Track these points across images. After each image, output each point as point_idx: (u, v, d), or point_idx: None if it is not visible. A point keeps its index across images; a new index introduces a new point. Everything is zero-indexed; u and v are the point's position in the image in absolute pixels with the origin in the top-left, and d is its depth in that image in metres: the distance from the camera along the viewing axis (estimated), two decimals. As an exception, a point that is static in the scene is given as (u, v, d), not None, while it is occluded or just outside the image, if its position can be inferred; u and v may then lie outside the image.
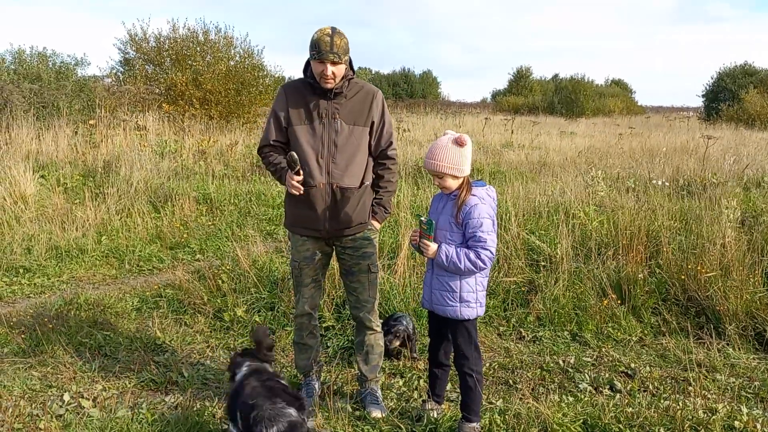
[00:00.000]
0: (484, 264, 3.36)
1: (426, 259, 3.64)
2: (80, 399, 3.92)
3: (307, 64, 3.65)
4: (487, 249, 3.34)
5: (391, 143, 3.87)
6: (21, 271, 6.63)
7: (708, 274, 5.32)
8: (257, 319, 5.28)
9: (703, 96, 37.30)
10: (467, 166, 3.42)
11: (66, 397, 3.94)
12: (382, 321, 4.74)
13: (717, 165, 9.26)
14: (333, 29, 3.50)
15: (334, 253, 3.95)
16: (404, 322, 4.73)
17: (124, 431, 3.37)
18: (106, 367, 4.45)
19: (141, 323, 5.36)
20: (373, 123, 3.75)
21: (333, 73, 3.50)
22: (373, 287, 3.95)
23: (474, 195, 3.42)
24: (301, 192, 3.56)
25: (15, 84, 14.74)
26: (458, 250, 3.38)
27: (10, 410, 3.69)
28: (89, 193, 8.86)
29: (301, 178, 3.52)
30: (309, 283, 3.88)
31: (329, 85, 3.56)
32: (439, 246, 3.42)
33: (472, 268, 3.36)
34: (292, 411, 2.93)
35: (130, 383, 4.18)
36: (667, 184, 7.68)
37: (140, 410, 3.70)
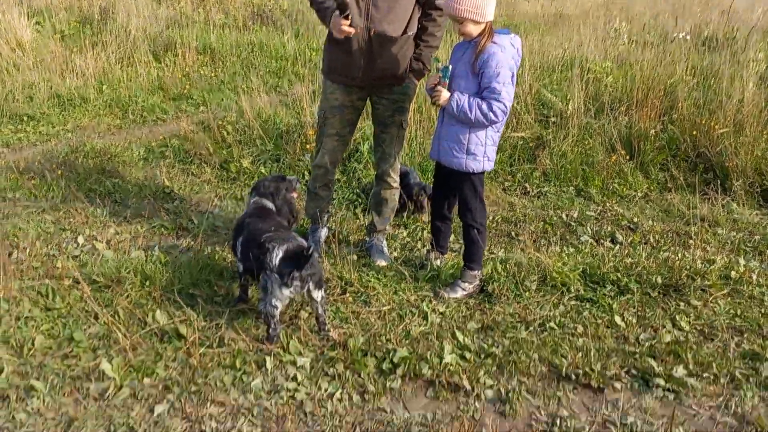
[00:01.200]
0: (496, 117, 3.26)
1: (438, 109, 3.55)
2: (94, 241, 4.03)
3: None
4: (500, 101, 3.22)
5: None
6: (25, 119, 6.58)
7: (721, 130, 5.22)
8: (263, 171, 5.29)
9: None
10: (490, 11, 3.20)
11: (80, 239, 4.05)
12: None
13: (743, 18, 8.77)
14: None
15: (365, 108, 3.86)
16: (411, 178, 4.71)
17: (139, 270, 3.49)
18: (116, 212, 4.54)
19: (149, 172, 5.38)
20: None
21: None
22: (399, 142, 3.91)
23: (495, 43, 3.23)
24: (351, 32, 3.35)
25: None
26: (471, 99, 3.27)
27: (27, 250, 3.81)
28: (87, 41, 8.55)
29: (349, 22, 3.31)
30: (332, 134, 3.79)
31: None
32: (451, 94, 3.32)
33: (483, 119, 3.27)
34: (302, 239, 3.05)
35: (141, 228, 4.28)
36: (688, 37, 7.31)
37: (153, 252, 3.81)
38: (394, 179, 4.02)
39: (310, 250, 2.88)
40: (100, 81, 7.73)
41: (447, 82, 3.34)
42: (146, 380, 2.75)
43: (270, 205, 3.49)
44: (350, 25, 3.32)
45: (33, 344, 2.94)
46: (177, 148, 5.77)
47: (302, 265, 2.89)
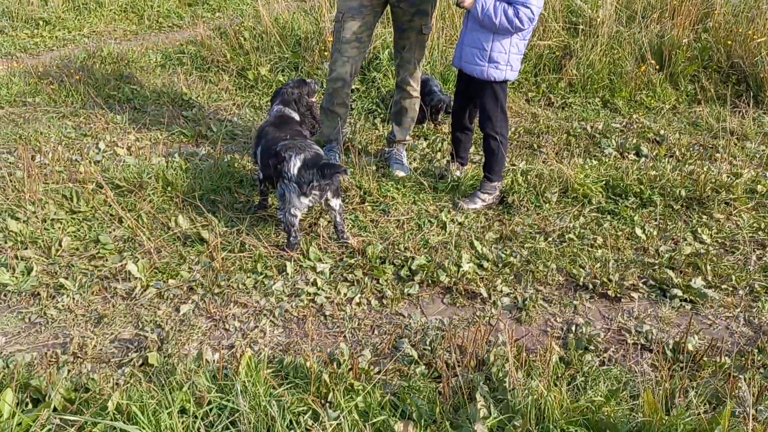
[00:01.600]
0: (522, 24, 3.12)
1: (464, 15, 3.40)
2: (115, 147, 4.04)
3: None
4: (528, 7, 3.07)
5: None
6: (41, 23, 6.48)
7: (759, 39, 4.98)
8: (281, 79, 5.20)
9: None
10: None
11: (101, 145, 4.06)
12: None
13: None
14: None
15: (385, 12, 3.70)
16: (432, 86, 4.59)
17: (160, 176, 3.51)
18: (136, 119, 4.52)
19: (166, 79, 5.32)
20: None
21: None
22: (420, 49, 3.78)
23: None
24: None
25: None
26: (497, 3, 3.12)
27: (50, 155, 3.84)
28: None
29: None
30: (351, 40, 3.61)
31: None
32: None
33: (508, 26, 3.13)
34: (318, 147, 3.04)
35: (161, 135, 4.27)
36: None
37: (174, 159, 3.82)
38: (415, 88, 3.92)
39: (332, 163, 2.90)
40: (113, -16, 7.51)
41: None
42: (171, 281, 2.82)
43: (292, 113, 3.44)
44: None
45: (60, 245, 3.01)
46: (194, 54, 5.67)
47: (324, 174, 2.89)
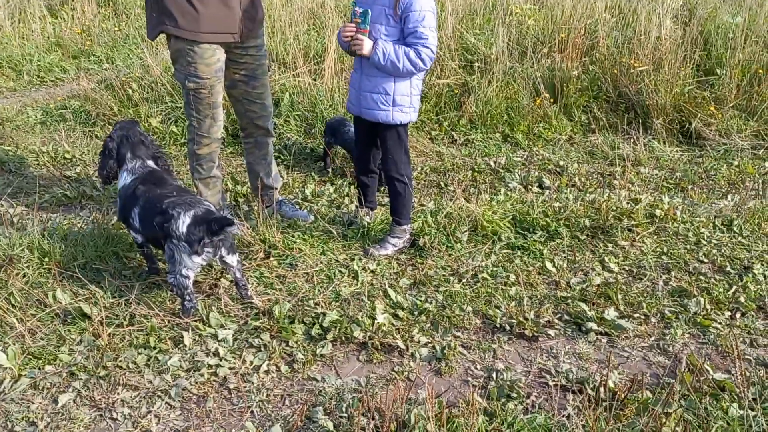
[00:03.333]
0: (425, 64, 3.07)
1: (354, 58, 3.30)
2: (-16, 218, 3.63)
3: None
4: (428, 47, 3.02)
5: None
6: None
7: (641, 68, 5.23)
8: (175, 130, 4.93)
9: None
10: None
11: (-32, 216, 3.64)
12: (324, 126, 4.52)
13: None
14: None
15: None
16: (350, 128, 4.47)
17: (36, 246, 3.15)
18: (11, 183, 4.12)
19: (47, 137, 4.93)
20: None
21: None
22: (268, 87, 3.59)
23: None
24: None
25: None
26: (396, 47, 3.04)
27: None
28: (-32, -5, 7.72)
29: None
30: (220, 102, 3.35)
31: None
32: (375, 42, 3.07)
33: (412, 68, 3.06)
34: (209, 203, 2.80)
35: (39, 199, 3.89)
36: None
37: (53, 225, 3.46)
38: (272, 132, 3.75)
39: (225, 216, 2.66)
40: (-12, 39, 7.01)
41: (367, 28, 3.06)
42: (48, 368, 2.48)
43: (153, 164, 3.11)
44: None
45: None
46: (77, 109, 5.30)
47: (219, 229, 2.66)
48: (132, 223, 2.92)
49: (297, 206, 3.91)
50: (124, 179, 3.02)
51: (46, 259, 3.09)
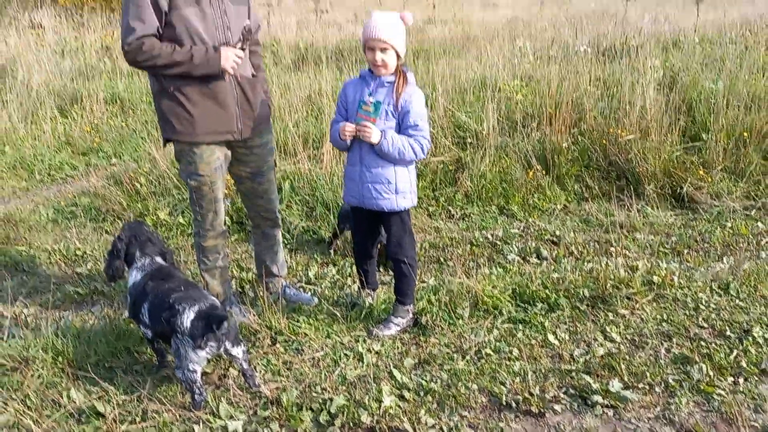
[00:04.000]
0: (423, 154, 3.27)
1: (347, 154, 3.44)
2: (0, 318, 3.73)
3: None
4: (426, 138, 3.25)
5: (260, 26, 3.54)
6: None
7: (628, 137, 5.43)
8: (181, 221, 5.10)
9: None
10: (404, 47, 3.22)
11: (-17, 318, 3.75)
12: (338, 212, 4.64)
13: (636, 27, 9.27)
14: None
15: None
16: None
17: (49, 346, 3.23)
18: (24, 283, 4.24)
19: (58, 235, 5.09)
20: (249, 0, 3.34)
21: None
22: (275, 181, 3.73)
23: (409, 82, 3.23)
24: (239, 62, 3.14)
25: None
26: (401, 136, 3.22)
27: None
28: (-15, 102, 8.13)
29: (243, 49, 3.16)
30: (221, 197, 3.49)
31: None
32: (383, 131, 3.21)
33: (414, 156, 3.25)
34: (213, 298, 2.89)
35: (52, 298, 4.00)
36: (589, 50, 7.64)
37: (65, 323, 3.55)
38: (279, 223, 3.87)
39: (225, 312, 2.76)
40: (2, 142, 7.33)
41: (377, 118, 3.22)
42: (63, 470, 2.52)
43: (161, 259, 3.24)
44: (206, 76, 3.13)
45: (-70, 446, 2.66)
46: (87, 206, 5.49)
47: (217, 326, 2.74)
48: (142, 318, 3.01)
49: (301, 289, 4.02)
50: (134, 277, 3.14)
51: (60, 359, 3.17)
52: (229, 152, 3.45)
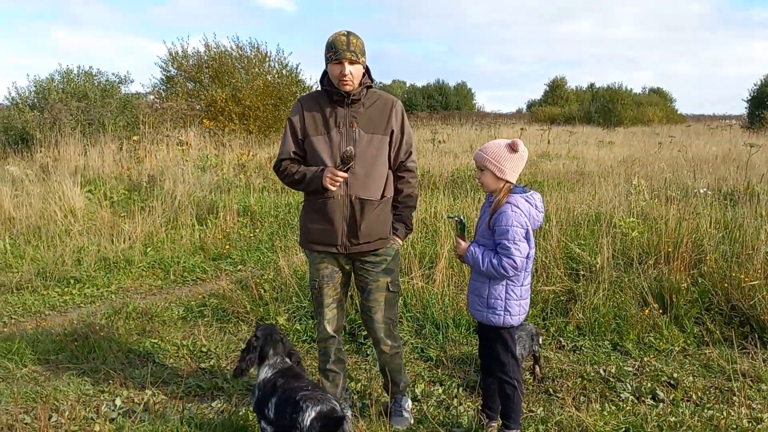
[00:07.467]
0: (506, 272, 3.33)
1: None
2: (131, 404, 4.07)
3: (324, 74, 3.59)
4: (510, 257, 3.31)
5: (411, 154, 3.75)
6: (72, 281, 6.89)
7: (752, 283, 5.22)
8: (298, 327, 5.39)
9: (746, 101, 36.30)
10: (511, 173, 3.38)
11: (118, 401, 4.10)
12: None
13: (760, 173, 9.06)
14: (348, 31, 3.45)
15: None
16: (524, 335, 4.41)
17: (174, 435, 3.49)
18: (154, 373, 4.61)
19: (187, 331, 5.52)
20: (392, 132, 3.62)
21: (351, 73, 3.40)
22: (391, 308, 3.79)
23: (508, 202, 3.37)
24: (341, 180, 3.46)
25: (63, 102, 15.34)
26: (484, 252, 3.40)
27: (67, 413, 3.85)
28: (135, 207, 9.17)
29: (347, 176, 3.47)
30: (330, 303, 3.75)
31: (348, 87, 3.45)
32: (470, 245, 3.47)
33: (494, 272, 3.36)
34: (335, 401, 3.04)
35: (178, 389, 4.32)
36: (709, 192, 7.55)
37: (189, 414, 3.82)
38: (389, 344, 3.87)
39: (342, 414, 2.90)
40: (146, 244, 8.16)
41: (464, 235, 3.52)
42: None
43: (288, 361, 3.50)
44: (321, 194, 3.53)
45: None
46: (215, 307, 5.95)
47: (333, 428, 2.89)
48: (267, 413, 3.22)
49: (400, 410, 3.98)
50: (265, 373, 3.40)
51: (184, 448, 3.40)
52: (349, 264, 3.75)
